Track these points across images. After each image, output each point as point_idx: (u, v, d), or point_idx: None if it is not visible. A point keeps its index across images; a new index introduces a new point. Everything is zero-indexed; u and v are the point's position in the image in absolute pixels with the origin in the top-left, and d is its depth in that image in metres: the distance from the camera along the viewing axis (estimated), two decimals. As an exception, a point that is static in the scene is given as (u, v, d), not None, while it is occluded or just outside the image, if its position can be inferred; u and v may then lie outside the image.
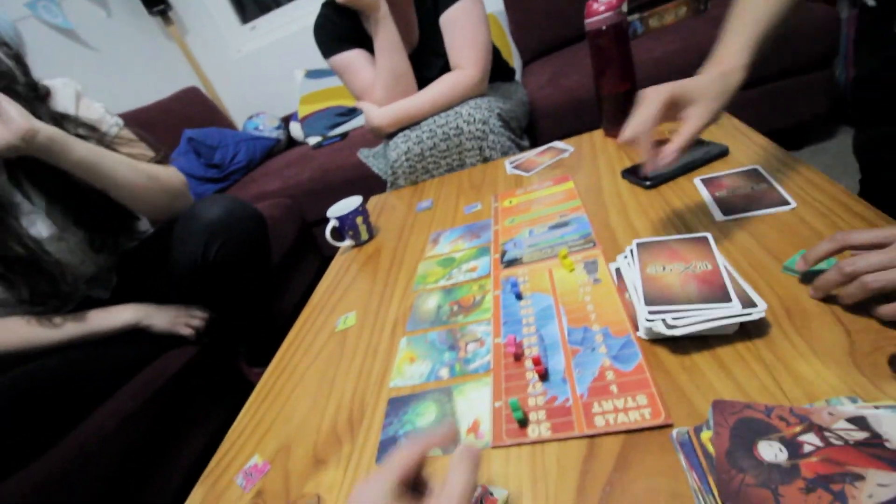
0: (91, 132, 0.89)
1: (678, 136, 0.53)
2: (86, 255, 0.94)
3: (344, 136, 1.87)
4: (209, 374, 1.07)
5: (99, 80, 1.94)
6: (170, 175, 0.96)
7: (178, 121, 1.94)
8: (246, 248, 0.96)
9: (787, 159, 0.65)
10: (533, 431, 0.43)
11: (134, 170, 0.88)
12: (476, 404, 0.48)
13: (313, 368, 0.65)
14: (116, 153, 0.88)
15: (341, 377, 0.61)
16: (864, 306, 0.41)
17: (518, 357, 0.51)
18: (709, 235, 0.52)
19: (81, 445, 0.82)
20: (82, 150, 0.81)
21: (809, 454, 0.32)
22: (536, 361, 0.47)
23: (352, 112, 1.96)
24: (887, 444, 0.31)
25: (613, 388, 0.44)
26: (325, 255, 1.72)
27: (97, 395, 0.89)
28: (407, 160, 1.15)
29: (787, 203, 0.57)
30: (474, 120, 1.08)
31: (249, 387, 1.19)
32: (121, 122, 0.98)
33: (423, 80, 1.17)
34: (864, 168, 0.54)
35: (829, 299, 0.44)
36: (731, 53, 0.56)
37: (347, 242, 0.95)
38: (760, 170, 0.64)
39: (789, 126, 1.33)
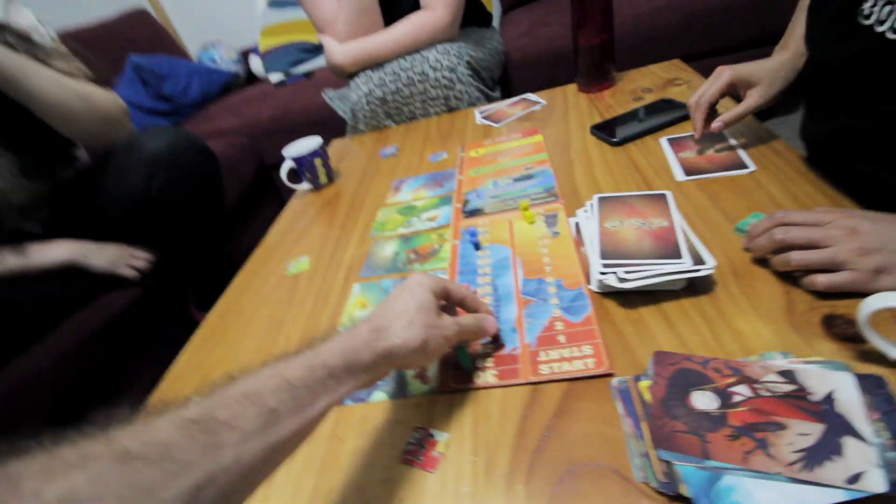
0: (21, 42, 0.79)
1: (732, 110, 0.58)
2: (17, 181, 0.86)
3: (309, 74, 1.76)
4: (155, 316, 1.03)
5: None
6: (107, 98, 0.87)
7: (123, 45, 1.76)
8: (193, 186, 0.90)
9: (753, 125, 0.65)
10: (479, 378, 0.43)
11: (63, 87, 0.79)
12: (425, 351, 0.48)
13: (262, 311, 0.62)
14: (46, 67, 0.79)
15: (290, 321, 0.59)
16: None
17: (470, 306, 0.50)
18: (668, 193, 0.52)
19: (14, 383, 0.78)
20: (2, 56, 0.72)
21: (739, 404, 0.33)
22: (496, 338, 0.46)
23: (318, 49, 1.83)
24: (811, 397, 0.33)
25: (561, 338, 0.44)
26: (285, 200, 1.64)
27: (31, 332, 0.84)
28: (368, 103, 1.09)
29: (745, 167, 0.57)
30: (441, 66, 1.03)
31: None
32: (55, 35, 0.87)
33: (390, 19, 1.09)
34: (811, 156, 0.56)
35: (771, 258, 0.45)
36: (799, 37, 0.56)
37: (305, 185, 0.90)
38: (725, 133, 0.64)
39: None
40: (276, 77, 1.82)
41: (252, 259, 0.76)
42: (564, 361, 0.42)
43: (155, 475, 0.21)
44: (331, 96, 1.33)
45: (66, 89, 0.79)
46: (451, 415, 0.41)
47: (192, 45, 2.19)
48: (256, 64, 1.95)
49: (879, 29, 0.41)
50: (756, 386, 0.34)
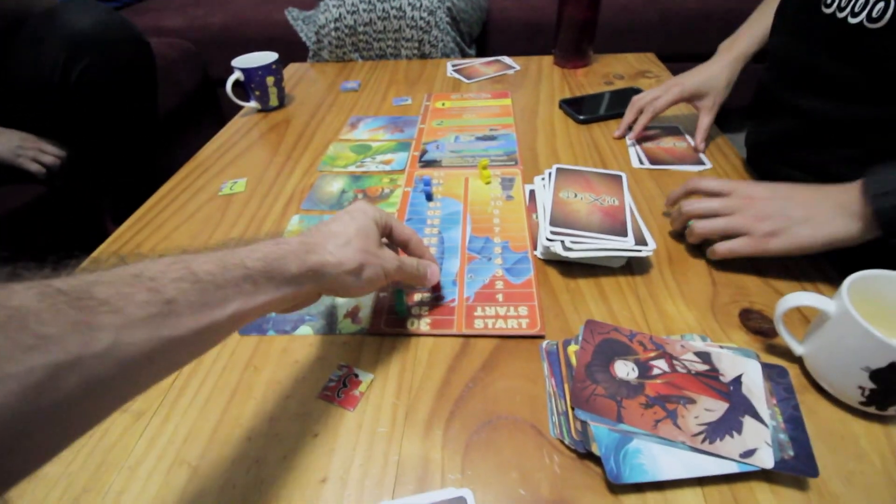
0: None
1: (699, 129, 0.63)
2: None
3: (273, -12, 1.59)
4: (60, 223, 0.92)
5: None
6: None
7: None
8: (122, 77, 0.80)
9: (713, 132, 0.67)
10: (412, 324, 0.42)
11: None
12: (360, 291, 0.46)
13: (184, 228, 0.57)
14: None
15: (216, 242, 0.54)
16: (730, 262, 0.45)
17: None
18: (624, 175, 0.53)
19: None
20: None
21: (656, 376, 0.35)
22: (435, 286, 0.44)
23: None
24: (721, 378, 0.35)
25: (500, 296, 0.44)
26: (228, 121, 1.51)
27: None
28: (336, 29, 1.01)
29: (703, 164, 0.60)
30: (420, 6, 0.97)
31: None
32: None
33: None
34: (751, 159, 0.60)
35: (704, 254, 0.47)
36: (745, 40, 0.61)
37: (252, 104, 0.82)
38: (680, 128, 0.66)
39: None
40: (234, -17, 1.63)
41: (180, 172, 0.69)
42: (500, 319, 0.41)
43: (2, 344, 0.17)
44: (295, 17, 1.22)
45: None
46: (378, 357, 0.40)
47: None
48: (214, -36, 1.74)
49: (840, 15, 0.43)
50: (674, 362, 0.36)
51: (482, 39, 1.35)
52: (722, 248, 0.44)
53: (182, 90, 1.27)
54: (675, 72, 0.87)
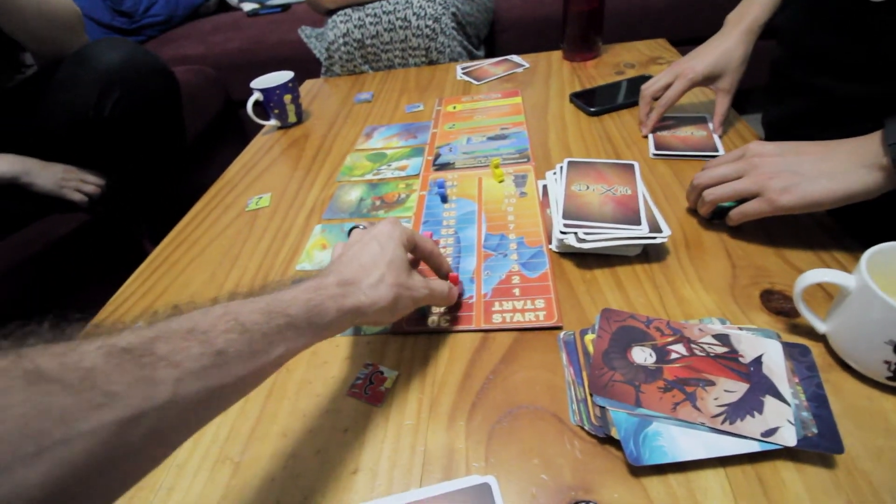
0: None
1: (717, 114, 0.60)
2: None
3: (285, 7, 1.65)
4: (103, 246, 0.97)
5: None
6: (60, 1, 0.79)
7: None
8: (150, 108, 0.84)
9: (731, 116, 0.65)
10: (433, 322, 0.43)
11: None
12: (381, 293, 0.48)
13: (216, 244, 0.60)
14: None
15: (246, 255, 0.57)
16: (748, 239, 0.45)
17: (431, 254, 0.50)
18: (636, 164, 0.53)
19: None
20: None
21: (674, 360, 0.35)
22: (454, 281, 0.44)
23: (298, -18, 1.72)
24: (741, 359, 0.35)
25: (516, 291, 0.45)
26: (251, 140, 1.57)
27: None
28: (345, 44, 1.04)
29: (717, 150, 0.58)
30: (425, 14, 0.99)
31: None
32: None
33: None
34: (768, 139, 0.59)
35: (722, 234, 0.47)
36: (756, 8, 0.57)
37: (272, 122, 0.86)
38: (708, 118, 0.64)
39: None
40: (249, 6, 1.70)
41: (210, 191, 0.73)
42: (517, 312, 0.42)
43: (72, 402, 0.18)
44: (308, 34, 1.26)
45: None
46: (401, 355, 0.41)
47: (159, -40, 2.00)
48: (229, -10, 1.81)
49: None
50: (692, 346, 0.36)
51: (490, 39, 1.36)
52: (735, 214, 0.43)
53: (206, 114, 1.33)
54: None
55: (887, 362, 0.31)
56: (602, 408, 0.33)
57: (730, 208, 0.45)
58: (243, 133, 1.56)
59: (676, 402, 0.33)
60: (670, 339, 0.37)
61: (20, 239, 0.85)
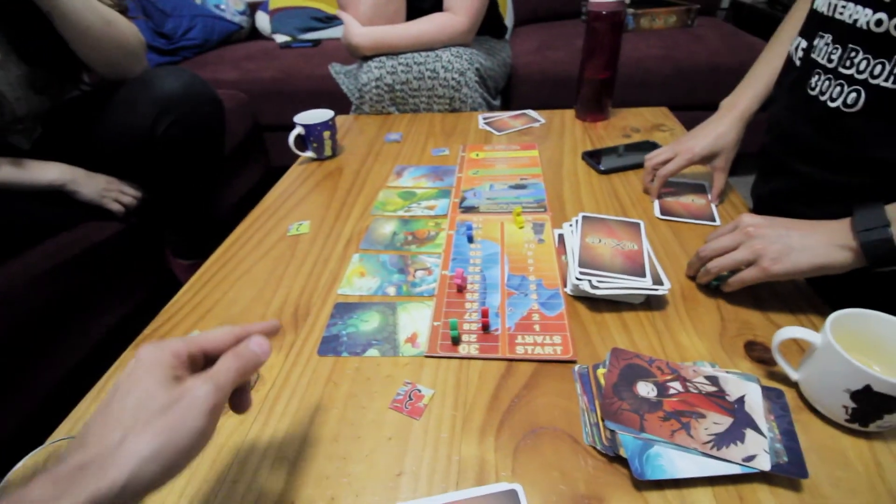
0: None
1: (714, 188, 0.70)
2: (23, 93, 0.85)
3: (316, 43, 1.77)
4: (131, 254, 1.03)
5: None
6: (129, 28, 0.87)
7: (127, -29, 1.70)
8: (199, 132, 0.92)
9: (725, 187, 0.74)
10: (463, 349, 0.50)
11: (90, 7, 0.79)
12: (417, 320, 0.54)
13: (261, 264, 0.66)
14: None
15: (290, 276, 0.63)
16: (735, 296, 0.53)
17: (461, 289, 0.57)
18: (641, 223, 0.61)
19: (-18, 295, 0.77)
20: None
21: (672, 395, 0.42)
22: (484, 314, 0.51)
23: (330, 20, 1.84)
24: (727, 398, 0.42)
25: (536, 327, 0.51)
26: (273, 166, 1.65)
27: (6, 248, 0.83)
28: (376, 87, 1.13)
29: (713, 220, 0.67)
30: (452, 68, 1.09)
31: (171, 277, 1.17)
32: None
33: (412, 10, 1.14)
34: (756, 208, 0.68)
35: (714, 293, 0.54)
36: (747, 100, 0.67)
37: (309, 153, 0.94)
38: (706, 186, 0.73)
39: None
40: (281, 38, 1.81)
41: (251, 215, 0.79)
42: (537, 346, 0.49)
43: None
44: (337, 71, 1.36)
45: (93, 10, 0.79)
46: (436, 376, 0.48)
47: (197, -12, 2.13)
48: (263, 20, 1.93)
49: (822, 99, 0.52)
50: (687, 384, 0.43)
51: (506, 91, 1.47)
52: (734, 281, 0.50)
53: (234, 137, 1.41)
54: (687, 120, 0.97)
55: (845, 407, 0.38)
56: (612, 431, 0.40)
57: (723, 277, 0.52)
58: (266, 155, 1.65)
59: (674, 430, 0.39)
60: (669, 377, 0.44)
61: (60, 242, 0.90)
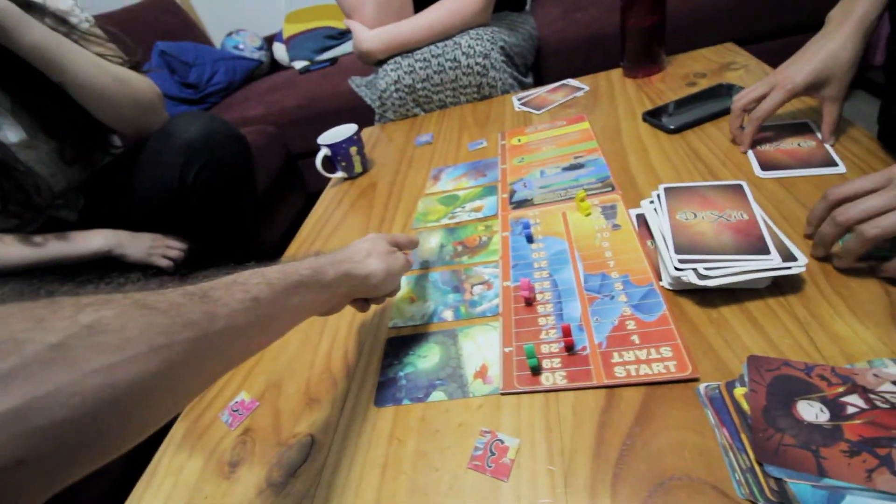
0: (59, 24, 0.79)
1: (825, 124, 0.55)
2: (57, 168, 0.85)
3: (333, 61, 1.73)
4: (187, 305, 1.02)
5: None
6: (143, 83, 0.85)
7: (148, 32, 1.75)
8: (229, 173, 0.89)
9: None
10: (547, 379, 0.40)
11: (99, 68, 0.78)
12: (484, 348, 0.45)
13: (304, 304, 0.60)
14: (84, 50, 0.78)
15: (335, 314, 0.57)
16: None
17: (530, 302, 0.48)
18: (744, 183, 0.49)
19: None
20: (40, 34, 0.71)
21: (853, 416, 0.30)
22: (566, 332, 0.41)
23: (343, 35, 1.80)
24: (939, 410, 0.29)
25: (635, 338, 0.41)
26: (311, 191, 1.63)
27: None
28: (396, 90, 1.06)
29: (835, 164, 0.52)
30: (474, 53, 0.99)
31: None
32: (91, 18, 0.86)
33: (419, 3, 1.05)
34: (884, 138, 0.51)
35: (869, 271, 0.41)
36: (861, 5, 0.50)
37: (339, 174, 0.88)
38: (811, 124, 0.59)
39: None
40: (300, 64, 1.79)
41: (289, 250, 0.74)
42: (642, 364, 0.39)
43: (168, 322, 0.25)
44: (358, 84, 1.31)
45: (104, 72, 0.78)
46: (519, 419, 0.39)
47: (216, 32, 2.18)
48: (280, 51, 1.93)
49: None
50: (871, 396, 0.31)
51: (537, 66, 1.35)
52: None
53: (271, 169, 1.39)
54: (761, 55, 0.81)
55: None
56: (777, 479, 0.29)
57: (881, 256, 0.39)
58: (303, 182, 1.63)
59: (870, 469, 0.28)
60: (841, 390, 0.32)
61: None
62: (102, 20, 1.71)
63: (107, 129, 0.91)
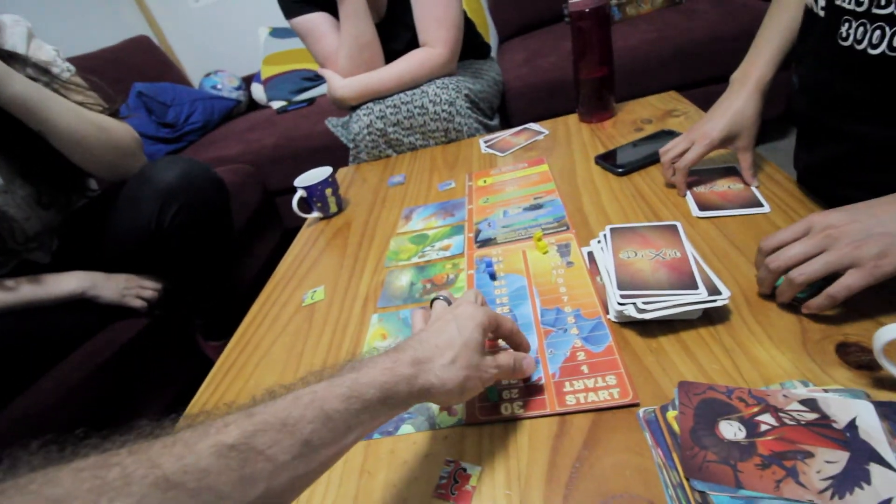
0: (41, 74, 0.82)
1: (744, 170, 0.63)
2: (32, 211, 0.86)
3: (311, 101, 1.79)
4: (161, 347, 1.02)
5: (38, 19, 1.75)
6: (122, 130, 0.88)
7: (126, 73, 1.79)
8: (205, 216, 0.91)
9: (758, 160, 0.67)
10: (506, 409, 0.44)
11: (80, 117, 0.80)
12: (449, 382, 0.49)
13: (279, 343, 0.63)
14: (65, 99, 0.81)
15: (310, 351, 0.59)
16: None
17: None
18: (678, 224, 0.54)
19: (19, 420, 0.77)
20: (21, 86, 0.74)
21: (765, 433, 0.35)
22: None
23: (319, 77, 1.87)
24: (834, 425, 0.34)
25: (584, 368, 0.45)
26: (288, 227, 1.66)
27: (35, 367, 0.83)
28: (369, 134, 1.11)
29: (760, 205, 0.59)
30: (440, 100, 1.06)
31: (206, 361, 1.15)
32: (72, 68, 0.89)
33: (389, 53, 1.12)
34: (803, 181, 0.59)
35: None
36: (760, 68, 0.60)
37: (315, 214, 0.91)
38: (736, 167, 0.66)
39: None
40: (278, 104, 1.85)
41: (266, 289, 0.76)
42: (590, 392, 0.43)
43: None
44: (334, 124, 1.36)
45: (84, 120, 0.81)
46: (480, 447, 0.42)
47: (194, 72, 2.23)
48: (258, 91, 1.99)
49: (859, 48, 0.44)
50: (780, 415, 0.36)
51: (502, 108, 1.43)
52: (838, 289, 0.39)
53: (248, 208, 1.42)
54: (698, 100, 0.90)
55: None
56: (702, 492, 0.33)
57: (803, 294, 0.43)
58: (279, 220, 1.65)
59: (778, 479, 0.32)
60: (756, 410, 0.36)
61: (89, 350, 0.90)
62: (81, 60, 1.74)
63: (83, 173, 0.93)
